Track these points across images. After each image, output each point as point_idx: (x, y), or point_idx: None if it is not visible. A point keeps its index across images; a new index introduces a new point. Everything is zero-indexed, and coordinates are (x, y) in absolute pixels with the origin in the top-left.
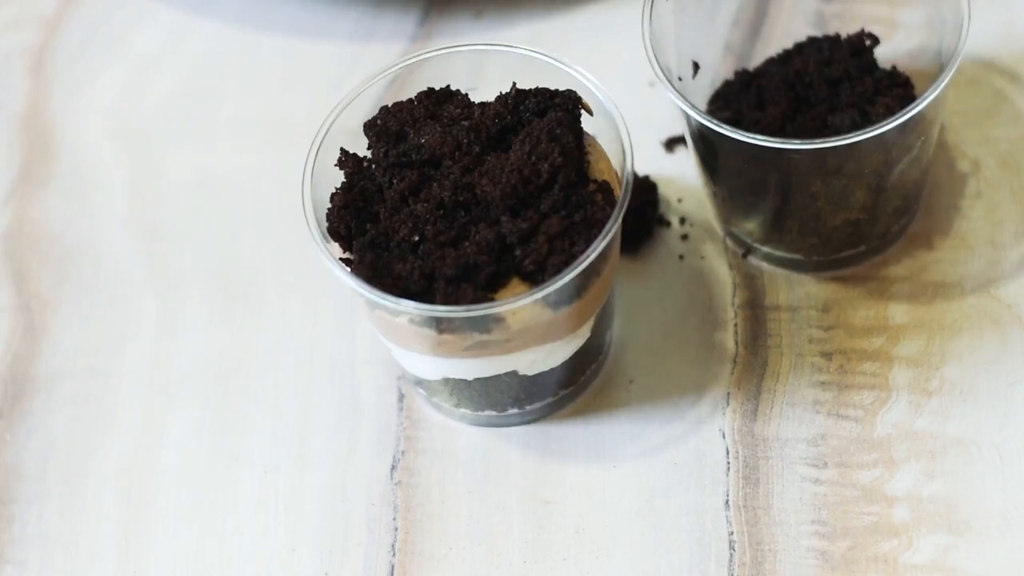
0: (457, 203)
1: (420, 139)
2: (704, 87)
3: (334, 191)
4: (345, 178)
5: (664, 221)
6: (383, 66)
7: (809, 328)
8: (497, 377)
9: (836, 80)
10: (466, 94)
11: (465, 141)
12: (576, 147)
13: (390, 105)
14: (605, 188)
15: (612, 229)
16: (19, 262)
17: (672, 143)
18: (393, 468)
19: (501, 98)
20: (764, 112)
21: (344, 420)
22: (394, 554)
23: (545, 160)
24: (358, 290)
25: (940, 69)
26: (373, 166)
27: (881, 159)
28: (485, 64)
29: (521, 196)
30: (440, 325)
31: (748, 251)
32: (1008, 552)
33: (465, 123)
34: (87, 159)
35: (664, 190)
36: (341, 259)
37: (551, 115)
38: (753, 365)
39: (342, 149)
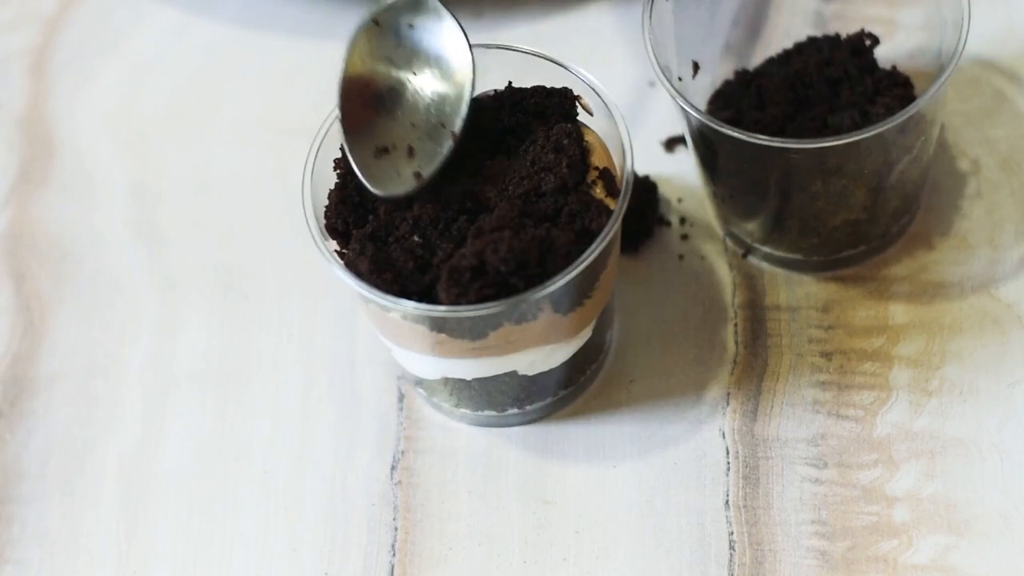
0: (459, 208)
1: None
2: (704, 87)
3: (331, 189)
4: (338, 178)
5: (664, 221)
6: None
7: (809, 328)
8: (497, 377)
9: (836, 80)
10: None
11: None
12: (581, 158)
13: None
14: (606, 175)
15: (611, 232)
16: (19, 262)
17: (672, 143)
18: (393, 468)
19: (497, 96)
20: (764, 112)
21: (344, 420)
22: (394, 554)
23: (550, 171)
24: (358, 289)
25: (940, 69)
26: None
27: (881, 159)
28: (485, 64)
29: (526, 207)
30: (438, 324)
31: (748, 251)
32: (1008, 552)
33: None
34: (87, 159)
35: (664, 190)
36: (336, 252)
37: (558, 127)
38: (753, 365)
39: (342, 147)
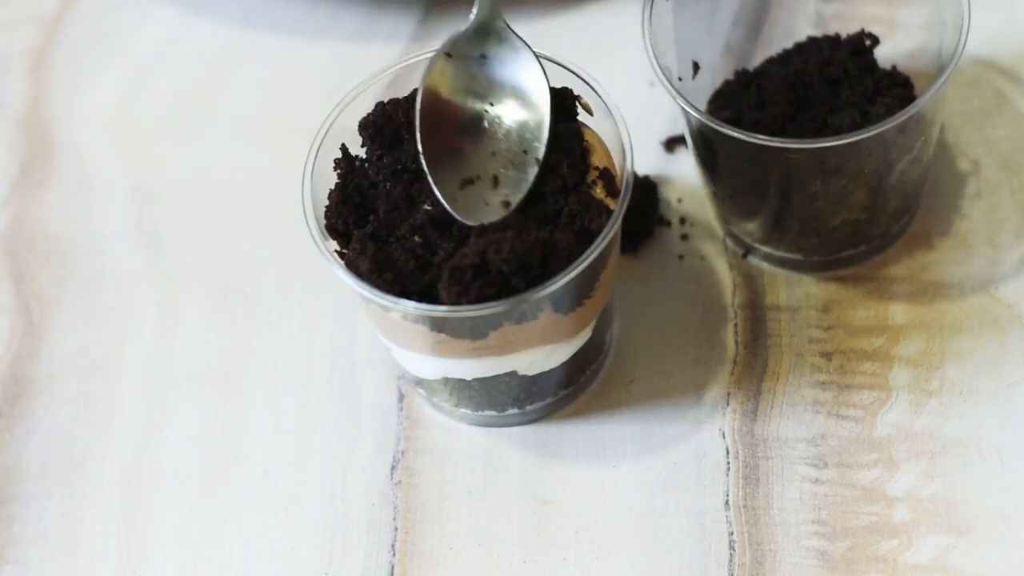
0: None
1: (417, 145)
2: (704, 87)
3: (331, 189)
4: (339, 178)
5: (664, 221)
6: (383, 66)
7: (809, 328)
8: (497, 377)
9: (836, 80)
10: None
11: None
12: (581, 158)
13: (386, 101)
14: (606, 175)
15: (611, 232)
16: (19, 262)
17: (672, 143)
18: (393, 468)
19: None
20: (764, 112)
21: (344, 420)
22: (394, 554)
23: (550, 171)
24: (358, 289)
25: (940, 69)
26: (367, 165)
27: (881, 159)
28: None
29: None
30: (438, 324)
31: (748, 251)
32: (1008, 552)
33: None
34: (87, 159)
35: (664, 190)
36: (336, 252)
37: (558, 126)
38: (753, 365)
39: (343, 147)
